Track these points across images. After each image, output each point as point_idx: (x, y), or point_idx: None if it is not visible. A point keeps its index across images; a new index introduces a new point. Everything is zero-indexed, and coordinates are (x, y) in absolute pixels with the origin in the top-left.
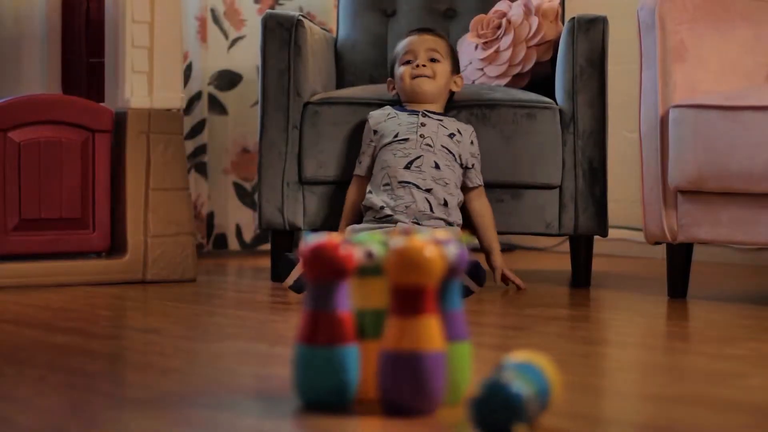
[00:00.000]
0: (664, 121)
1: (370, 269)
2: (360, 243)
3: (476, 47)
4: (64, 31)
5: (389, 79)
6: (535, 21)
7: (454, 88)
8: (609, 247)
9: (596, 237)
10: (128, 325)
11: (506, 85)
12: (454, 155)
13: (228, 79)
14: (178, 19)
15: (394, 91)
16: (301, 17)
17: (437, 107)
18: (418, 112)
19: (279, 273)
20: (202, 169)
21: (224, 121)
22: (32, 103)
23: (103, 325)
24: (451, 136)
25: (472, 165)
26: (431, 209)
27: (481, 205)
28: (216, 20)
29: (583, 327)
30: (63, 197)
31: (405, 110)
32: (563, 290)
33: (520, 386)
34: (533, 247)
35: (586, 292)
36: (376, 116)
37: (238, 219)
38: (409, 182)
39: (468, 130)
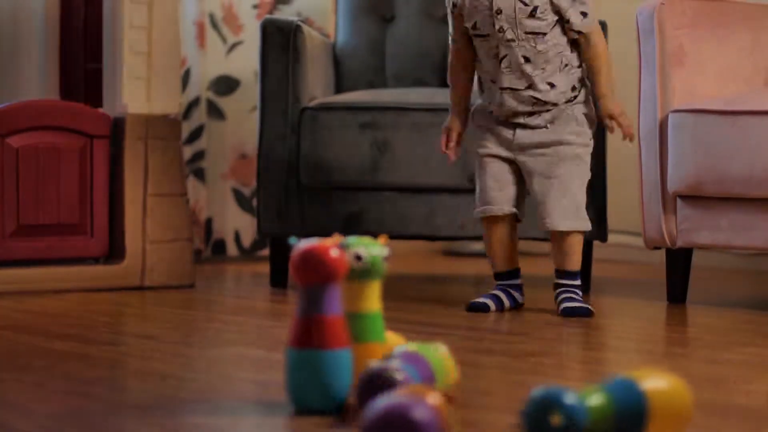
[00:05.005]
0: (663, 126)
1: (360, 272)
2: (349, 246)
3: None
4: (62, 37)
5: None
6: None
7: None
8: (608, 252)
9: (595, 242)
10: (126, 331)
11: None
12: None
13: (226, 85)
14: (176, 24)
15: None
16: (299, 23)
17: None
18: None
19: None
20: (200, 175)
21: (223, 126)
22: (30, 108)
23: (102, 331)
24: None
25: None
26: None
27: (589, 53)
28: (214, 25)
29: (582, 332)
30: (61, 203)
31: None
32: None
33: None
34: (532, 252)
35: (585, 298)
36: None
37: (237, 225)
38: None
39: None
